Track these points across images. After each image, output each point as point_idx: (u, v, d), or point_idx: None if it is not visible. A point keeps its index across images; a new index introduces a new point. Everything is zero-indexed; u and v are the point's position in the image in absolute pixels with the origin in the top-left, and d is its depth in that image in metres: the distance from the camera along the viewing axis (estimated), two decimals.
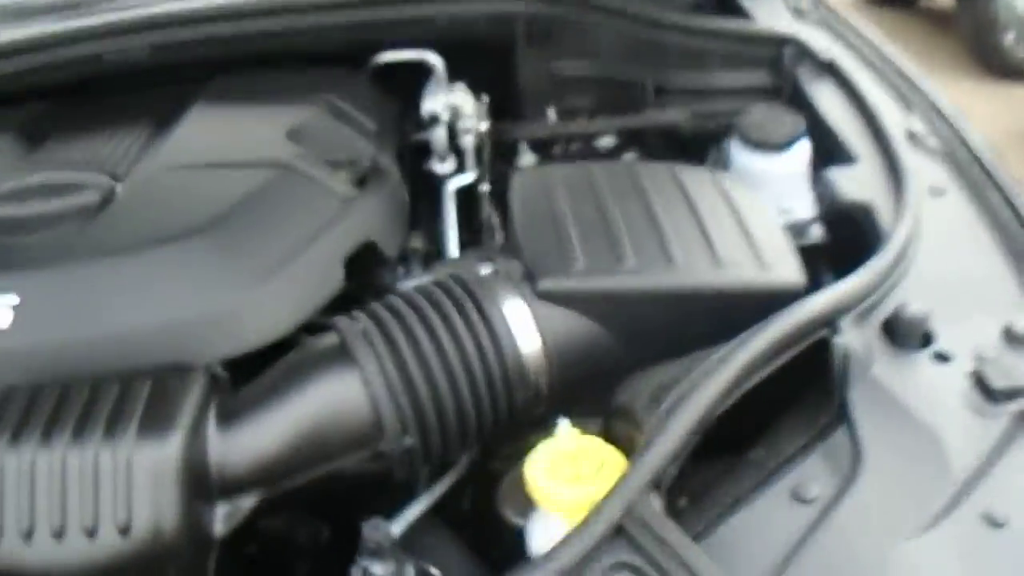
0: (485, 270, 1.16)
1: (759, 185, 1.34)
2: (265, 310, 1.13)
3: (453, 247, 1.40)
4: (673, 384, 0.97)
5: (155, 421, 0.97)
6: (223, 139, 1.36)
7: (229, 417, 1.04)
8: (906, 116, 1.46)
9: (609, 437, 1.05)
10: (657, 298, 1.11)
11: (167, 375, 1.05)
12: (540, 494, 0.96)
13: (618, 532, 0.84)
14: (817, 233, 1.34)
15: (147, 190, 1.25)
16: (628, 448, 0.99)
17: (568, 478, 0.96)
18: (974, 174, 1.32)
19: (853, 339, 1.04)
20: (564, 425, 1.04)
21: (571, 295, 1.11)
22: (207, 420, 1.02)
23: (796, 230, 1.33)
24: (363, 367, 1.05)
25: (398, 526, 1.10)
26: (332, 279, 1.19)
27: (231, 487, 1.02)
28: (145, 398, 1.00)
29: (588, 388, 1.14)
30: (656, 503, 0.86)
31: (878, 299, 1.10)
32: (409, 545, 1.10)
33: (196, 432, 0.99)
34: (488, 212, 1.52)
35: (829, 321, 1.03)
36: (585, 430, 1.06)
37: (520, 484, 1.05)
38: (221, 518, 1.01)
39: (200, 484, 0.99)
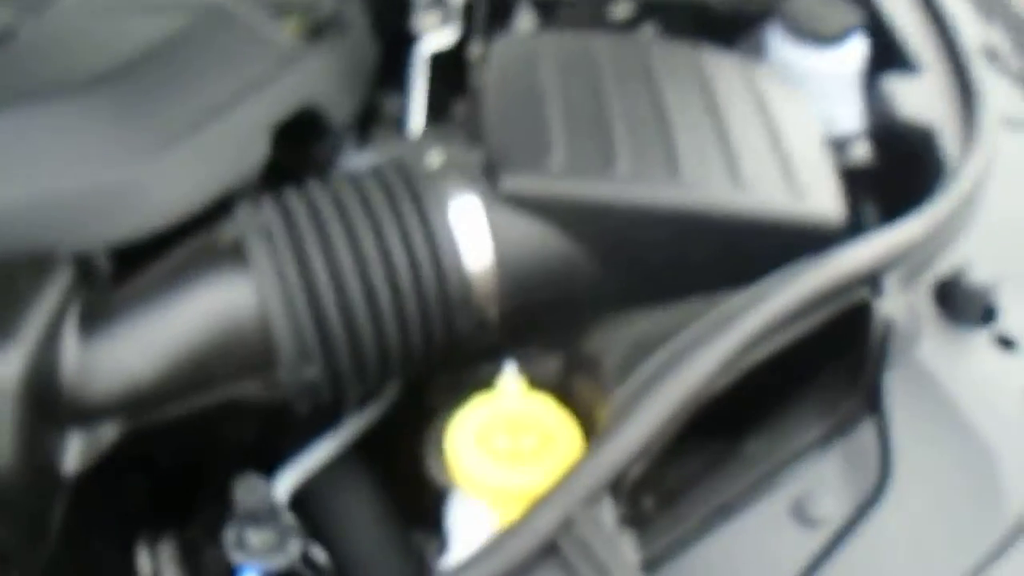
0: (436, 158, 0.89)
1: (800, 85, 1.06)
2: (162, 187, 0.89)
3: (416, 123, 1.13)
4: (657, 342, 0.72)
5: None
6: None
7: (95, 324, 0.80)
8: (984, 27, 1.19)
9: (567, 395, 0.81)
10: (653, 217, 0.84)
11: (20, 266, 0.81)
12: (462, 473, 0.72)
13: (550, 551, 0.60)
14: (862, 152, 1.06)
15: (52, 31, 1.00)
16: (588, 418, 0.75)
17: (502, 454, 0.72)
18: None
19: (897, 304, 0.78)
20: (510, 373, 0.80)
21: (542, 200, 0.84)
22: (64, 327, 0.79)
23: (837, 146, 1.06)
24: (257, 273, 0.80)
25: (287, 481, 0.87)
26: (253, 152, 0.94)
27: (89, 412, 0.79)
28: None
29: (554, 319, 0.90)
30: (609, 515, 0.62)
31: (932, 254, 0.85)
32: (312, 499, 0.89)
33: (47, 342, 0.77)
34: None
35: (871, 277, 0.78)
36: (538, 379, 0.82)
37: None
38: (75, 451, 0.78)
39: (47, 408, 0.76)
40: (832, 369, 0.78)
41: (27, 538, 0.77)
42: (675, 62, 0.98)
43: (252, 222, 0.83)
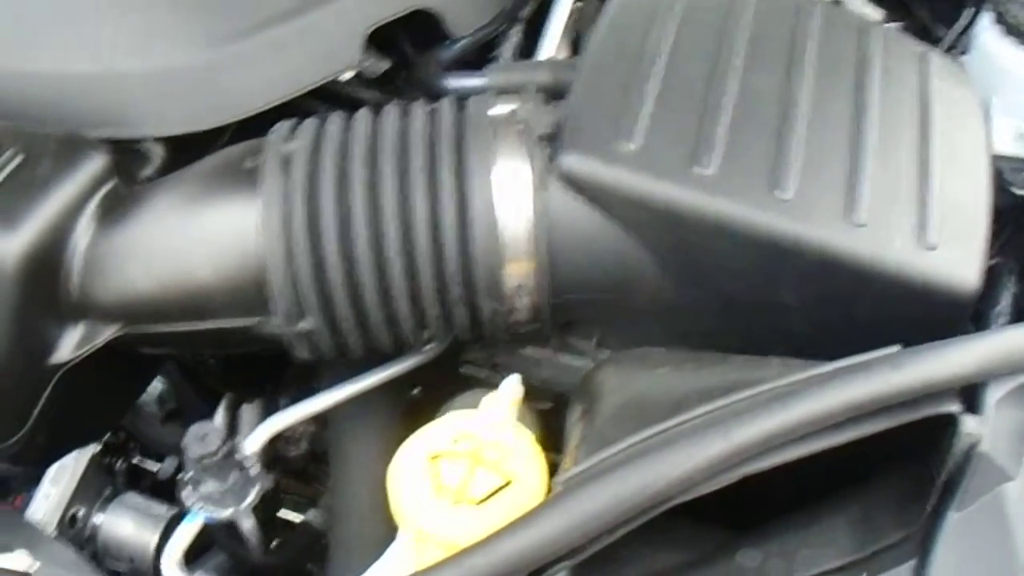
0: (501, 107, 0.74)
1: (1004, 89, 0.83)
2: (231, 78, 0.81)
3: (548, 50, 0.96)
4: (655, 408, 0.56)
5: (7, 209, 0.70)
6: None
7: (113, 220, 0.74)
8: None
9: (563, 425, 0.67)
10: (730, 236, 0.67)
11: (55, 145, 0.75)
12: (397, 505, 0.60)
13: None
14: None
15: None
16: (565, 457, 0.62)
17: (444, 484, 0.59)
18: None
19: (999, 424, 0.59)
20: (507, 391, 0.66)
21: (601, 188, 0.68)
22: (82, 216, 0.73)
23: None
24: (264, 207, 0.70)
25: (264, 430, 0.78)
26: (344, 57, 0.84)
27: (85, 310, 0.74)
28: (8, 173, 0.72)
29: (608, 320, 0.75)
30: None
31: None
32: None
33: (58, 230, 0.72)
34: None
35: (967, 386, 0.58)
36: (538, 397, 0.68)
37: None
38: (68, 343, 0.74)
39: (46, 296, 0.72)
40: (887, 483, 0.60)
41: (9, 419, 0.73)
42: (834, 38, 0.77)
43: (278, 144, 0.73)
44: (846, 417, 0.54)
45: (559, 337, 0.79)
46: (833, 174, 0.68)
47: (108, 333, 0.74)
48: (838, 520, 0.60)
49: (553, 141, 0.70)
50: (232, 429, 0.95)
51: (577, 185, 0.68)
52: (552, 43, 0.96)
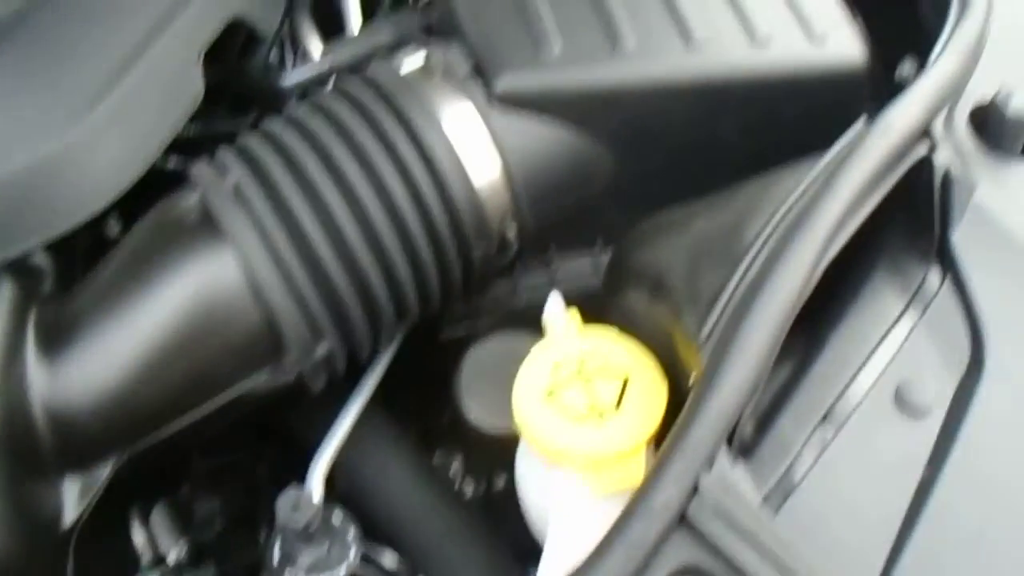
0: (410, 63, 0.75)
1: None
2: (96, 154, 0.72)
3: (353, 19, 0.97)
4: (724, 247, 0.63)
5: None
6: None
7: (59, 342, 0.66)
8: None
9: (617, 311, 0.72)
10: (673, 93, 0.73)
11: None
12: (544, 444, 0.62)
13: (680, 523, 0.53)
14: None
15: None
16: (658, 341, 0.66)
17: (581, 414, 0.62)
18: None
19: (947, 151, 0.71)
20: (556, 308, 0.70)
21: (545, 96, 0.72)
22: (22, 354, 0.64)
23: None
24: (237, 243, 0.66)
25: (320, 469, 0.76)
26: (189, 90, 0.77)
27: (77, 450, 0.66)
28: None
29: (575, 223, 0.79)
30: (729, 468, 0.54)
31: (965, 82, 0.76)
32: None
33: (5, 379, 0.63)
34: None
35: (926, 128, 0.69)
36: (571, 294, 0.72)
37: (488, 372, 0.74)
38: (71, 498, 0.65)
39: (27, 457, 0.63)
40: (896, 235, 0.70)
41: None
42: None
43: (214, 181, 0.69)
44: (878, 178, 0.63)
45: (518, 261, 0.80)
46: (723, 12, 0.76)
47: (107, 470, 0.66)
48: (874, 285, 0.68)
49: (480, 72, 0.72)
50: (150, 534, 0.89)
51: (520, 102, 0.71)
52: (355, 10, 0.97)
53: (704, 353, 0.56)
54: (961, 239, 0.68)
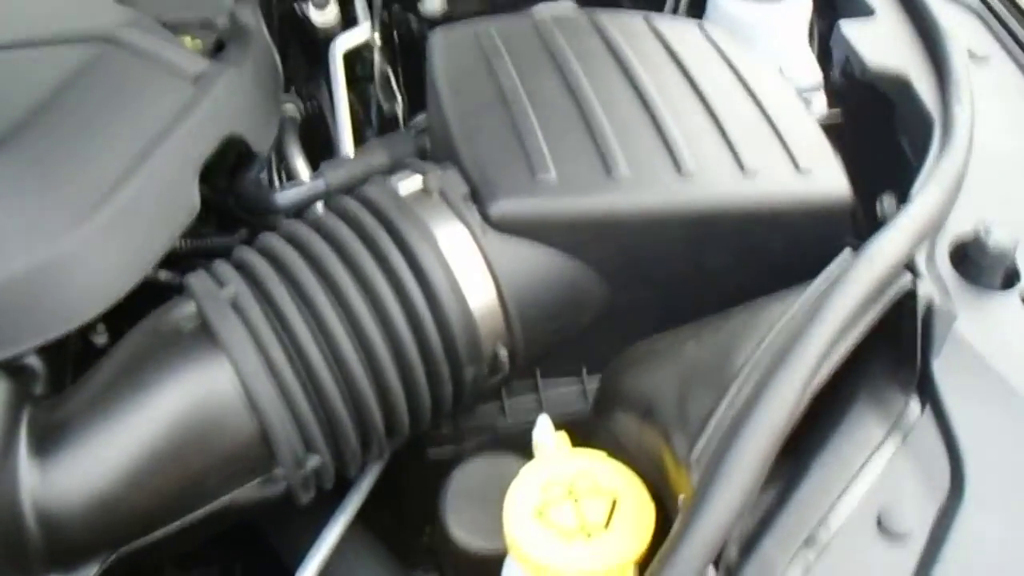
0: (407, 185, 0.78)
1: (748, 41, 1.00)
2: (92, 262, 0.74)
3: (346, 141, 1.01)
4: (713, 373, 0.65)
5: None
6: (27, 6, 0.92)
7: (50, 445, 0.67)
8: None
9: (606, 434, 0.74)
10: (665, 222, 0.76)
11: None
12: (533, 560, 0.62)
13: None
14: (821, 106, 1.02)
15: None
16: (646, 463, 0.68)
17: (568, 529, 0.63)
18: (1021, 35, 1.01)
19: (930, 283, 0.74)
20: (544, 429, 0.72)
21: (539, 222, 0.75)
22: (15, 457, 0.66)
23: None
24: (232, 354, 0.68)
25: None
26: (185, 204, 0.80)
27: (63, 553, 0.66)
28: None
29: (565, 347, 0.81)
30: None
31: (945, 217, 0.80)
32: None
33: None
34: (384, 78, 1.14)
35: (909, 260, 0.72)
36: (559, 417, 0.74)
37: (473, 492, 0.75)
38: None
39: (12, 555, 0.64)
40: (879, 364, 0.73)
41: None
42: (632, 33, 0.89)
43: (210, 292, 0.71)
44: (860, 312, 0.66)
45: (504, 386, 0.83)
46: (711, 142, 0.80)
47: (96, 568, 0.67)
48: (856, 403, 0.71)
49: (475, 197, 0.75)
50: None
51: (514, 227, 0.74)
52: (346, 130, 1.01)
53: (693, 476, 0.58)
54: (942, 369, 0.71)
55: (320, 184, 0.91)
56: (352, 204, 0.76)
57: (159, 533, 0.69)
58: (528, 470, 0.67)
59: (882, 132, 0.92)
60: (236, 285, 0.71)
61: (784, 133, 0.81)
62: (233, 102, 0.89)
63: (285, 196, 0.92)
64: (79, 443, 0.67)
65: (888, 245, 0.68)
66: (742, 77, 0.86)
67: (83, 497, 0.66)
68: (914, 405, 0.70)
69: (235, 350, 0.68)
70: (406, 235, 0.72)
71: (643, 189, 0.76)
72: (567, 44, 0.86)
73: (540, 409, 0.81)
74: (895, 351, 0.71)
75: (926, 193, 0.75)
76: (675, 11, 1.09)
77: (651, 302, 0.78)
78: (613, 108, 0.80)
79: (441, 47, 0.88)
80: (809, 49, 1.02)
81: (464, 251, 0.73)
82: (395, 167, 0.87)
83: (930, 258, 0.76)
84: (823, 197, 0.78)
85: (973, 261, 0.76)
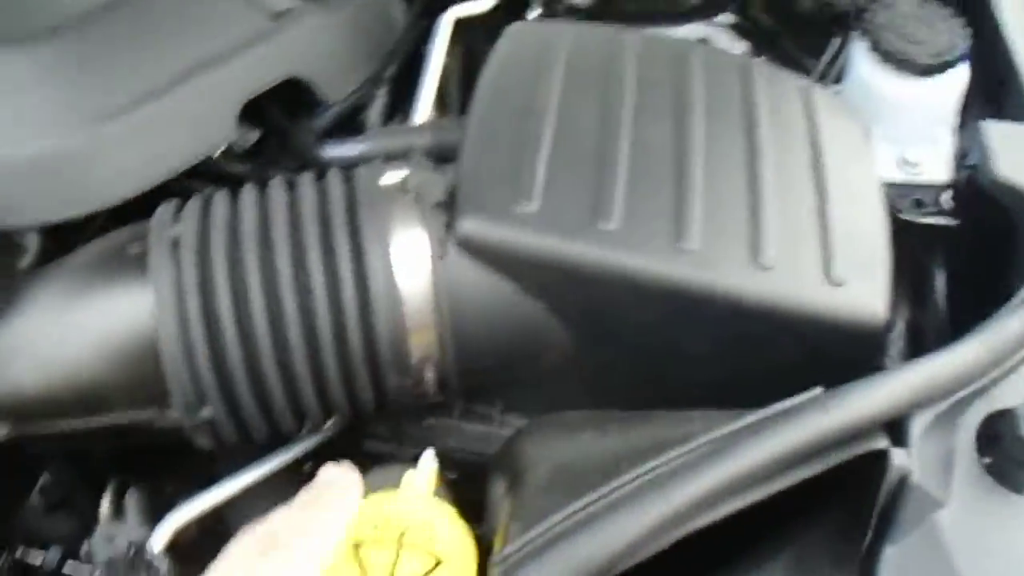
0: (391, 177, 0.73)
1: (884, 116, 0.87)
2: (104, 162, 0.78)
3: (420, 110, 0.96)
4: (584, 476, 0.57)
5: None
6: None
7: None
8: None
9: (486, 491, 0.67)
10: (641, 291, 0.67)
11: None
12: None
13: None
14: (943, 207, 0.87)
15: None
16: (490, 533, 0.62)
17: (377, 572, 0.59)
18: None
19: (923, 455, 0.61)
20: (425, 466, 0.66)
21: (504, 252, 0.68)
22: None
23: (920, 196, 0.87)
24: (155, 292, 0.68)
25: (167, 527, 0.75)
26: (219, 130, 0.82)
27: None
28: None
29: (513, 387, 0.75)
30: None
31: (987, 386, 0.66)
32: None
33: None
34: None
35: (894, 419, 0.61)
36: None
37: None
38: None
39: None
40: (820, 523, 0.61)
41: None
42: (718, 80, 0.79)
43: (164, 227, 0.70)
44: (780, 466, 0.55)
45: (463, 404, 0.78)
46: (735, 219, 0.69)
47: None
48: (775, 566, 0.61)
49: (449, 207, 0.69)
50: (118, 515, 0.92)
51: (477, 250, 0.67)
52: (427, 103, 0.96)
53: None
54: (896, 559, 0.59)
55: (363, 147, 0.88)
56: (334, 179, 0.72)
57: (60, 424, 0.72)
58: (373, 500, 0.62)
59: (997, 252, 0.78)
60: (188, 226, 0.70)
61: (831, 232, 0.70)
62: (309, 45, 0.89)
63: (328, 150, 0.89)
64: (9, 319, 0.71)
65: (860, 398, 0.57)
66: (820, 156, 0.74)
67: (3, 367, 0.70)
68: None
69: (158, 287, 0.68)
70: (362, 227, 0.68)
71: (627, 249, 0.67)
72: (634, 71, 0.77)
73: (489, 441, 0.77)
74: (843, 518, 0.60)
75: (963, 345, 0.62)
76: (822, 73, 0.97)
77: (619, 366, 0.71)
78: (637, 151, 0.71)
79: (507, 42, 0.82)
80: (948, 138, 0.87)
81: (415, 261, 0.68)
82: (436, 151, 0.83)
83: (945, 426, 0.63)
84: (844, 314, 0.67)
85: (1001, 445, 0.63)
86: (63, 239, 0.78)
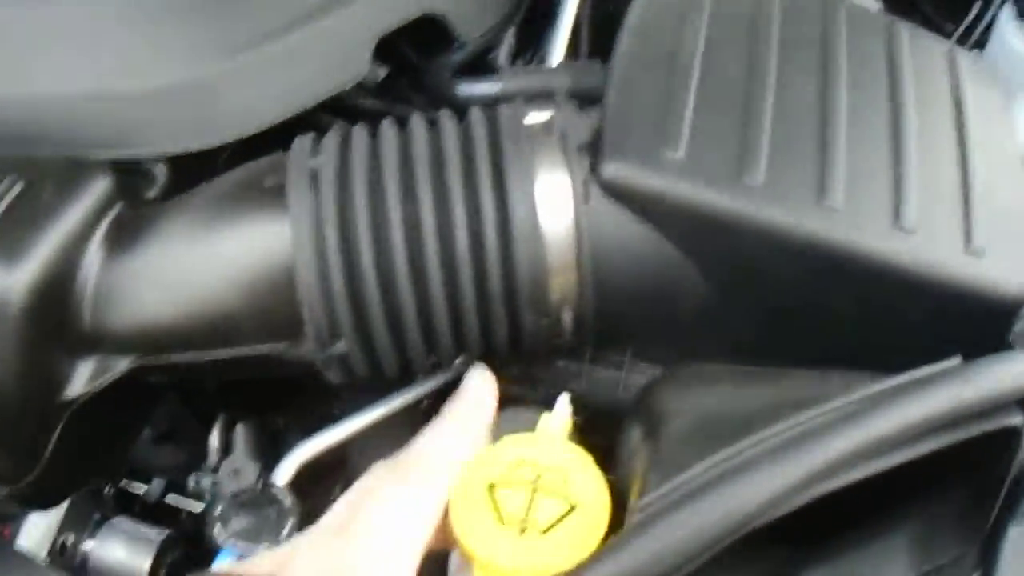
0: (535, 117, 0.73)
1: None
2: (235, 94, 0.79)
3: (554, 51, 0.96)
4: (726, 427, 0.58)
5: (10, 240, 0.67)
6: None
7: (123, 245, 0.72)
8: None
9: (618, 439, 0.68)
10: (779, 245, 0.67)
11: (55, 169, 0.73)
12: (462, 536, 0.60)
13: None
14: None
15: None
16: (626, 479, 0.63)
17: (507, 515, 0.60)
18: None
19: None
20: (560, 411, 0.67)
21: (647, 197, 0.68)
22: (90, 242, 0.71)
23: None
24: (293, 225, 0.68)
25: (290, 465, 0.78)
26: (351, 67, 0.82)
27: (98, 343, 0.71)
28: (9, 202, 0.69)
29: (651, 333, 0.76)
30: None
31: None
32: None
33: (66, 259, 0.69)
34: None
35: None
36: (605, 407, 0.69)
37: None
38: (80, 378, 0.71)
39: (56, 329, 0.69)
40: (942, 502, 0.62)
41: (19, 459, 0.71)
42: (862, 38, 0.78)
43: (302, 159, 0.71)
44: (917, 433, 0.55)
45: (594, 350, 0.79)
46: (878, 180, 0.68)
47: (123, 365, 0.71)
48: (899, 538, 0.61)
49: (593, 150, 0.69)
50: (226, 449, 0.94)
51: (621, 195, 0.68)
52: (561, 45, 0.96)
53: (629, 522, 0.52)
54: (1020, 539, 0.59)
55: (501, 85, 0.88)
56: (477, 116, 0.72)
57: (188, 356, 0.72)
58: (511, 441, 0.63)
59: None
60: (327, 158, 0.70)
61: (974, 200, 0.69)
62: None
63: (464, 88, 0.89)
64: (141, 251, 0.71)
65: (1001, 370, 0.56)
66: (964, 123, 0.73)
67: (134, 298, 0.71)
68: (964, 566, 0.59)
69: (296, 219, 0.68)
70: (506, 165, 0.68)
71: (771, 203, 0.66)
72: (778, 22, 0.76)
73: (618, 388, 0.78)
74: (970, 495, 0.60)
75: None
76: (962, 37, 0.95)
77: (755, 320, 0.71)
78: (782, 105, 0.70)
79: None
80: None
81: (558, 202, 0.68)
82: (577, 92, 0.83)
83: None
84: (982, 284, 0.66)
85: None
86: (192, 171, 0.79)
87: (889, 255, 0.66)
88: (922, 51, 0.79)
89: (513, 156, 0.68)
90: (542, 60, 0.98)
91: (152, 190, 0.78)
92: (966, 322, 0.66)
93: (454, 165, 0.68)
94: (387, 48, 0.87)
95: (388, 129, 0.72)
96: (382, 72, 0.92)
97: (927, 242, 0.66)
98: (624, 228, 0.68)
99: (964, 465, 0.59)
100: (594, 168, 0.68)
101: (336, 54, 0.81)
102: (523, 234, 0.67)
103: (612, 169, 0.68)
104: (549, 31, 0.96)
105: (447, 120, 0.72)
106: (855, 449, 0.52)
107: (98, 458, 0.81)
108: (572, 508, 0.60)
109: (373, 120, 0.75)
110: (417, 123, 0.72)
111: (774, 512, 0.53)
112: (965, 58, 0.80)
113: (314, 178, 0.69)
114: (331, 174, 0.69)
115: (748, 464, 0.52)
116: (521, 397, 0.78)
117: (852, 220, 0.66)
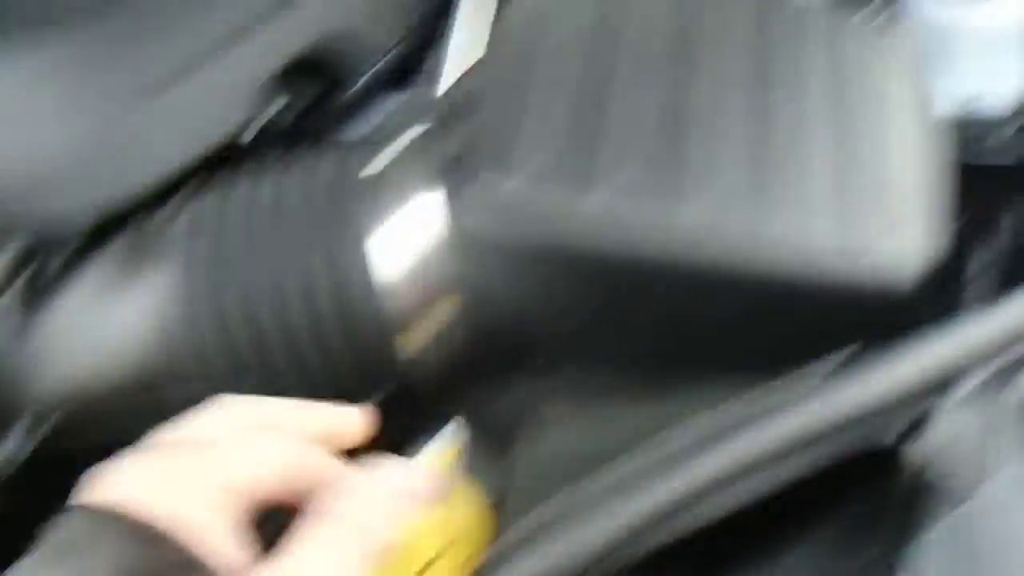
0: (386, 154, 0.70)
1: (950, 53, 0.80)
2: (135, 146, 0.77)
3: (451, 63, 0.93)
4: (577, 469, 0.54)
5: None
6: None
7: (37, 311, 0.72)
8: None
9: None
10: (636, 265, 0.62)
11: None
12: None
13: None
14: (1007, 140, 0.80)
15: None
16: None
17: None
18: None
19: (966, 424, 0.56)
20: (442, 441, 0.65)
21: (496, 226, 0.64)
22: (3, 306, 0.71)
23: (978, 130, 0.81)
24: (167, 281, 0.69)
25: None
26: (244, 106, 0.80)
27: (21, 406, 0.71)
28: None
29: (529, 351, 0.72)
30: None
31: None
32: None
33: None
34: None
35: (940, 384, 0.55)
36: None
37: None
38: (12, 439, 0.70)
39: None
40: (851, 504, 0.57)
41: None
42: (731, 27, 0.71)
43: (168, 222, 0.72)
44: (789, 450, 0.51)
45: (476, 372, 0.75)
46: (742, 178, 0.63)
47: (47, 424, 0.71)
48: (795, 558, 0.57)
49: (451, 173, 0.67)
50: None
51: (485, 212, 0.64)
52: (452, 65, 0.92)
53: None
54: (938, 542, 0.54)
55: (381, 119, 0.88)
56: (327, 160, 0.72)
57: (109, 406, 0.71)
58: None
59: None
60: (185, 221, 0.72)
61: (855, 190, 0.64)
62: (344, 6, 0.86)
63: (351, 132, 0.88)
64: (57, 315, 0.72)
65: (882, 371, 0.52)
66: (850, 107, 0.68)
67: (52, 353, 0.71)
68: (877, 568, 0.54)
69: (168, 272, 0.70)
70: (345, 213, 0.68)
71: (620, 222, 0.62)
72: (641, 24, 0.72)
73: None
74: (865, 512, 0.55)
75: (1006, 307, 0.57)
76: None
77: (638, 333, 0.67)
78: (634, 108, 0.66)
79: None
80: (1014, 68, 0.80)
81: (405, 246, 0.66)
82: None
83: (994, 392, 0.57)
84: (866, 277, 0.61)
85: None
86: (104, 227, 0.77)
87: (762, 256, 0.61)
88: (801, 30, 0.73)
89: (353, 204, 0.67)
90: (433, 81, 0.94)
91: (60, 251, 0.76)
92: (856, 313, 0.62)
93: (296, 216, 0.67)
94: (285, 85, 0.84)
95: (241, 185, 0.71)
96: (273, 110, 0.89)
97: (801, 239, 0.62)
98: (489, 251, 0.64)
99: (855, 484, 0.54)
100: (451, 196, 0.65)
101: (229, 97, 0.80)
102: (358, 294, 0.65)
103: (474, 188, 0.64)
104: (437, 51, 0.92)
105: (296, 167, 0.71)
106: (717, 476, 0.48)
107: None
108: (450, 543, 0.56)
109: (258, 162, 0.75)
110: (267, 179, 0.72)
111: (640, 543, 0.49)
112: (855, 31, 0.75)
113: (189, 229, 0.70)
114: (194, 233, 0.70)
115: (600, 497, 0.48)
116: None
117: (718, 223, 0.62)
